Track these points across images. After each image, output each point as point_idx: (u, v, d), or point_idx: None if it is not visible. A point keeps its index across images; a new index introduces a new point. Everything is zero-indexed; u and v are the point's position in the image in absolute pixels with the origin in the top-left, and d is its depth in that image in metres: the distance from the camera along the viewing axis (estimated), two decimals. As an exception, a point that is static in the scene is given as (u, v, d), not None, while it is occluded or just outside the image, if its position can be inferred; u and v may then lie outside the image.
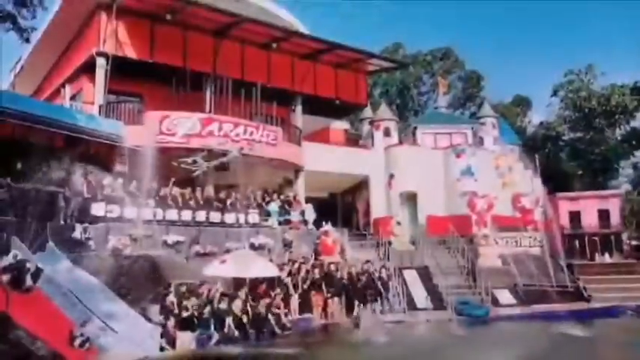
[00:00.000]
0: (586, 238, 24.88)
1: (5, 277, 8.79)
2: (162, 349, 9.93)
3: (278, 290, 13.15)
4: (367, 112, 26.82)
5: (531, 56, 74.55)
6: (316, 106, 22.38)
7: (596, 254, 23.31)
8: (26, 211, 11.33)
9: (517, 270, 16.69)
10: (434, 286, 15.96)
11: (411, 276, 16.34)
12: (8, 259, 9.19)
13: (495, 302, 15.36)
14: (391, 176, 22.27)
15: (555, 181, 30.32)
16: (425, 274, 16.50)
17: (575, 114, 40.00)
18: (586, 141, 39.73)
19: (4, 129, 12.92)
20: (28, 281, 9.19)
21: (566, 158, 41.79)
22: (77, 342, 8.88)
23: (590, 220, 27.97)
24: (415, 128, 25.23)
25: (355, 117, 35.25)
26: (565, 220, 28.04)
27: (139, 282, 12.23)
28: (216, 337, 10.87)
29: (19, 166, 11.98)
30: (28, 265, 9.26)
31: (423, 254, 17.70)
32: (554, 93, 41.55)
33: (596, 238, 25.20)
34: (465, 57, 46.77)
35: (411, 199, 22.13)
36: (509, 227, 19.49)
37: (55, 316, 9.25)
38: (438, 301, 15.08)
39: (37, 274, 9.36)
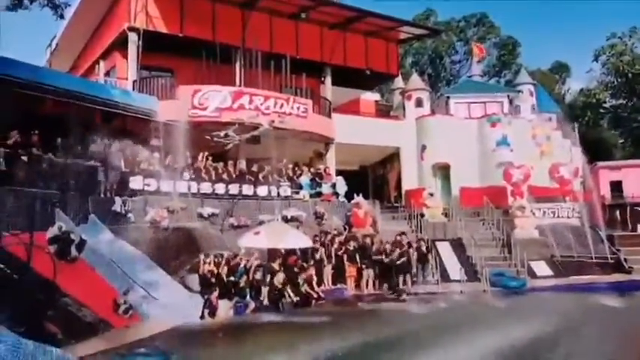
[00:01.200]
0: (628, 209, 23.98)
1: (52, 248, 9.19)
2: (201, 317, 10.24)
3: (312, 262, 13.31)
4: (398, 82, 26.32)
5: (571, 21, 70.96)
6: (346, 77, 22.07)
7: (638, 225, 22.48)
8: (68, 184, 11.73)
9: (555, 241, 16.30)
10: (467, 258, 15.81)
11: (444, 248, 16.22)
12: (54, 231, 9.58)
13: (532, 274, 15.09)
14: (423, 148, 21.91)
15: (596, 150, 29.20)
16: (458, 246, 16.34)
17: (618, 80, 38.11)
18: (629, 108, 37.96)
19: (43, 105, 13.29)
20: (73, 252, 9.58)
21: (608, 126, 40.10)
22: (121, 309, 9.27)
23: (632, 190, 26.93)
24: (448, 98, 24.56)
25: (386, 88, 34.70)
26: (606, 190, 27.10)
27: (177, 252, 12.61)
28: (252, 305, 11.14)
29: (59, 141, 12.30)
30: (72, 236, 9.63)
31: (457, 226, 17.49)
32: (596, 58, 39.57)
33: (639, 209, 24.27)
34: (500, 23, 45.04)
35: (443, 170, 21.77)
36: (547, 198, 18.94)
37: (99, 285, 9.66)
38: (471, 273, 14.94)
39: (81, 244, 9.75)
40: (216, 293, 10.59)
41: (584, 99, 40.80)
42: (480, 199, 18.91)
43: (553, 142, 22.43)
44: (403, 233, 15.39)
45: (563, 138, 23.17)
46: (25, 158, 11.31)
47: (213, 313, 10.39)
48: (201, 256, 11.56)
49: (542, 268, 15.54)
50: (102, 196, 12.74)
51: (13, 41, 51.59)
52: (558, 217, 18.12)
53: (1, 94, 12.39)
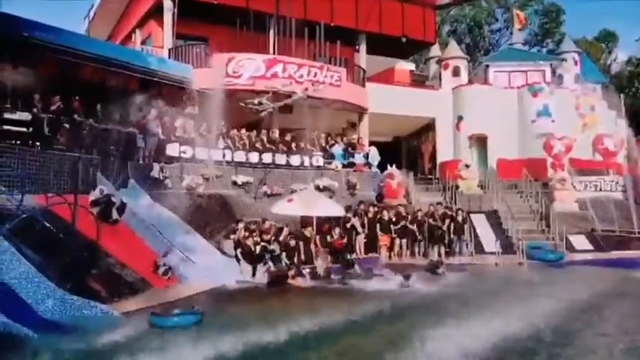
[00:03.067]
0: (676, 184, 22.87)
1: (94, 210, 9.52)
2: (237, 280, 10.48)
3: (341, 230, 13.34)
4: (435, 50, 25.56)
5: (621, -15, 66.73)
6: (381, 45, 21.55)
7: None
8: (108, 150, 12.05)
9: (596, 215, 15.79)
10: (503, 231, 15.51)
11: (480, 220, 15.94)
12: (96, 194, 9.91)
13: (570, 248, 14.71)
14: (459, 118, 21.36)
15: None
16: (494, 219, 16.04)
17: (670, 48, 35.85)
18: (680, 78, 35.76)
19: (83, 72, 13.58)
20: (115, 214, 9.92)
21: (656, 98, 38.00)
22: (161, 270, 9.59)
23: (681, 164, 25.62)
24: (487, 66, 23.71)
25: (420, 58, 33.77)
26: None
27: (212, 218, 12.91)
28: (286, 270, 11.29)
29: (98, 107, 12.58)
30: (113, 199, 9.95)
31: (493, 198, 17.13)
32: (647, 25, 37.23)
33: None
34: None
35: (480, 142, 21.22)
36: (589, 170, 18.28)
37: (139, 247, 10.00)
38: (507, 245, 14.68)
39: (122, 208, 10.07)
40: (244, 256, 10.80)
41: (632, 69, 38.63)
42: (518, 171, 18.40)
43: (597, 113, 21.47)
44: (439, 203, 15.23)
45: (608, 109, 22.15)
46: (67, 124, 11.64)
47: (245, 275, 10.63)
48: (240, 225, 11.76)
49: (581, 241, 15.12)
50: (140, 162, 13.04)
51: (54, 9, 52.73)
52: (600, 190, 17.47)
53: (43, 60, 12.73)
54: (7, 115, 10.67)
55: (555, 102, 20.64)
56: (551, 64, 23.54)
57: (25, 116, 10.85)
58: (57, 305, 6.83)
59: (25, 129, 10.80)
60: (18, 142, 10.35)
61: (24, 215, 7.38)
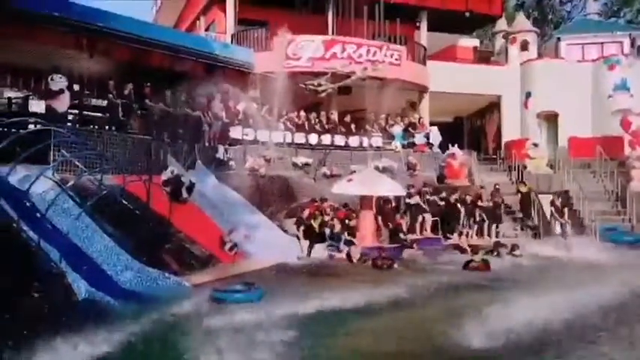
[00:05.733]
0: None
1: (166, 189, 10.10)
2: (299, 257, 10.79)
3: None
4: (501, 25, 24.32)
5: None
6: (443, 21, 20.84)
7: None
8: (177, 133, 12.66)
9: (679, 196, 14.63)
10: (575, 212, 14.76)
11: (549, 201, 15.22)
12: (167, 174, 10.51)
13: (648, 229, 13.79)
14: (528, 95, 20.33)
15: None
16: (565, 199, 15.24)
17: None
18: None
19: (153, 58, 14.27)
20: (184, 193, 10.47)
21: None
22: (227, 246, 10.05)
23: None
24: (558, 39, 22.31)
25: (485, 33, 32.30)
26: None
27: (274, 198, 13.28)
28: (345, 249, 11.45)
29: (167, 93, 13.20)
30: (183, 179, 10.49)
31: (563, 178, 16.29)
32: None
33: None
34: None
35: (550, 119, 20.12)
36: (672, 148, 16.88)
37: (207, 224, 10.50)
38: (579, 227, 13.98)
39: (190, 187, 10.61)
40: (305, 235, 11.05)
41: None
42: (591, 149, 17.31)
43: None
44: (497, 185, 14.83)
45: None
46: (139, 109, 12.34)
47: (306, 252, 10.91)
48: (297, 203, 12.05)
49: (661, 224, 14.09)
50: (207, 144, 13.59)
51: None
52: (684, 168, 16.09)
53: (116, 49, 13.51)
54: (85, 102, 11.47)
55: (634, 75, 19.05)
56: (629, 35, 21.72)
57: (102, 102, 11.61)
58: (135, 276, 7.36)
59: (101, 114, 11.59)
60: (96, 126, 11.14)
61: (104, 193, 7.94)
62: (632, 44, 21.60)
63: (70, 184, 7.82)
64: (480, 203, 14.16)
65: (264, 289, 7.36)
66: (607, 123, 18.52)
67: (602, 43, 21.55)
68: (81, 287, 6.23)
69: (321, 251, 11.37)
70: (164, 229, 9.07)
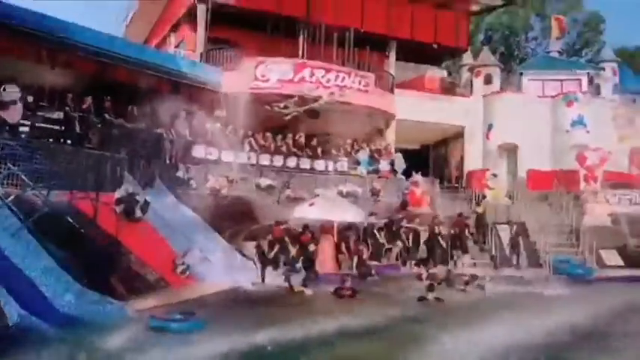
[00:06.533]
0: None
1: (119, 208, 9.79)
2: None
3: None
4: (467, 58, 25.11)
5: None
6: (412, 51, 21.38)
7: None
8: (136, 150, 12.36)
9: (629, 230, 15.14)
10: (530, 243, 15.09)
11: (506, 231, 15.54)
12: (121, 192, 10.19)
13: (601, 263, 14.20)
14: (490, 127, 20.90)
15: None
16: (521, 230, 15.59)
17: None
18: None
19: (118, 73, 14.01)
20: (138, 212, 10.16)
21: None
22: (179, 269, 9.77)
23: None
24: (521, 74, 23.14)
25: (453, 65, 33.27)
26: (694, 181, 24.60)
27: (234, 221, 13.03)
28: (302, 274, 11.30)
29: (130, 108, 12.94)
30: (138, 197, 10.21)
31: (521, 209, 16.68)
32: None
33: None
34: (584, -3, 41.48)
35: (510, 151, 20.70)
36: (624, 184, 17.55)
37: (160, 245, 10.18)
38: (533, 258, 14.27)
39: (145, 206, 10.31)
40: (262, 259, 10.86)
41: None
42: (548, 182, 17.86)
43: (636, 125, 20.61)
44: (460, 214, 14.99)
45: (648, 121, 21.23)
46: (98, 123, 12.03)
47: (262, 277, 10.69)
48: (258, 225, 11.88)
49: (613, 257, 14.58)
50: (167, 162, 13.32)
51: (93, 12, 54.55)
52: (635, 204, 16.74)
53: (79, 61, 13.22)
54: (40, 113, 11.11)
55: (591, 112, 19.95)
56: (588, 74, 22.75)
57: (58, 115, 11.27)
58: (75, 300, 7.03)
59: (57, 127, 11.23)
60: (50, 139, 10.78)
61: (48, 210, 7.63)
62: (590, 82, 22.61)
63: (10, 198, 7.47)
64: (440, 231, 14.29)
65: (207, 319, 7.08)
66: (564, 157, 19.18)
67: (561, 80, 22.45)
68: (12, 311, 5.90)
69: (279, 277, 11.21)
70: (112, 249, 8.75)
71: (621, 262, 14.41)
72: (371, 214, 14.17)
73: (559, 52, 28.37)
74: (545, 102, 20.99)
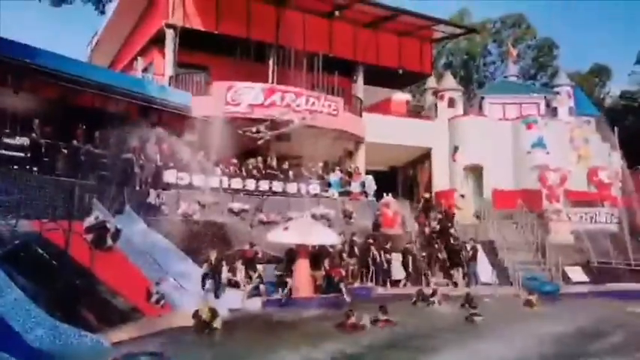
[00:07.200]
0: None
1: (88, 236, 9.48)
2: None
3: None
4: (431, 82, 25.98)
5: (613, 22, 68.51)
6: (378, 76, 21.96)
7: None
8: (105, 176, 12.07)
9: (591, 247, 15.78)
10: (499, 261, 15.50)
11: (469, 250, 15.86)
12: (90, 220, 9.91)
13: (566, 279, 14.69)
14: (455, 149, 21.57)
15: (637, 155, 28.04)
16: (490, 249, 16.02)
17: (661, 83, 36.61)
18: (672, 113, 36.37)
19: (84, 98, 13.72)
20: (109, 241, 9.90)
21: (649, 131, 38.52)
22: (153, 299, 9.46)
23: (675, 198, 25.76)
24: (482, 98, 24.11)
25: (417, 88, 34.29)
26: (646, 197, 26.00)
27: (207, 245, 12.80)
28: (282, 299, 11.21)
29: (97, 134, 12.66)
30: (108, 225, 9.93)
31: (488, 229, 17.15)
32: (638, 60, 38.13)
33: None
34: (537, 24, 43.84)
35: (476, 172, 21.37)
36: (584, 202, 18.37)
37: (133, 274, 9.89)
38: (503, 276, 14.64)
39: (116, 234, 10.05)
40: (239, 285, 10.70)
41: (625, 102, 39.35)
42: (513, 201, 18.47)
43: (591, 145, 21.75)
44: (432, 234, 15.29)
45: (602, 142, 22.42)
46: (65, 149, 11.69)
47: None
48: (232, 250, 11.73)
49: (577, 273, 15.12)
50: (137, 188, 13.04)
51: (57, 37, 53.46)
52: (596, 222, 17.51)
53: (44, 86, 12.88)
54: (5, 140, 10.72)
55: (550, 134, 20.92)
56: (545, 97, 23.96)
57: (23, 141, 10.90)
58: (46, 334, 6.71)
59: (23, 154, 10.85)
60: (16, 166, 10.39)
61: (17, 241, 7.31)
62: (548, 105, 23.78)
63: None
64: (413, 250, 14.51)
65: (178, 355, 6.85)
66: (527, 177, 19.92)
67: (521, 103, 23.50)
68: (-20, 349, 5.58)
69: (256, 302, 11.05)
70: (83, 280, 8.42)
71: (586, 278, 14.95)
72: (352, 235, 14.29)
73: (516, 76, 29.76)
74: (506, 124, 21.89)
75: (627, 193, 18.89)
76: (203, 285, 10.58)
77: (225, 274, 11.43)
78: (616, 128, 22.26)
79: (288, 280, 11.75)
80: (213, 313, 8.65)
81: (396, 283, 14.45)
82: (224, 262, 11.47)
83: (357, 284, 13.58)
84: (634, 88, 39.16)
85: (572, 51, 54.41)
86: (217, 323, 8.58)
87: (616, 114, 37.57)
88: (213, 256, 11.03)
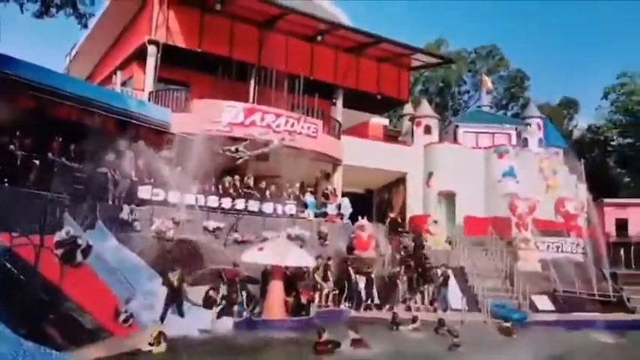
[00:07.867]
0: (632, 247, 23.81)
1: (58, 252, 9.29)
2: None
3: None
4: (408, 108, 26.61)
5: (582, 57, 71.67)
6: (357, 100, 22.37)
7: (642, 265, 22.29)
8: (78, 190, 11.87)
9: (557, 276, 16.17)
10: (469, 288, 15.74)
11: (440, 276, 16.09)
12: (61, 235, 9.69)
13: (533, 307, 15.00)
14: (430, 174, 22.01)
15: (602, 188, 29.14)
16: (460, 275, 16.27)
17: (626, 118, 38.25)
18: (636, 147, 37.96)
19: (60, 110, 13.54)
20: (79, 257, 9.69)
21: (614, 164, 40.08)
22: (122, 317, 9.30)
23: (637, 229, 26.76)
24: (457, 127, 24.80)
25: (394, 113, 35.00)
26: (611, 228, 26.93)
27: (180, 264, 12.62)
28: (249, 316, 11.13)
29: (72, 147, 12.49)
30: (79, 241, 9.75)
31: (460, 255, 17.45)
32: (605, 96, 39.84)
33: (643, 248, 24.03)
34: (510, 56, 45.52)
35: (449, 198, 21.81)
36: (551, 232, 18.90)
37: (102, 292, 9.71)
38: (472, 302, 14.86)
39: (87, 250, 9.86)
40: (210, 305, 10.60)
41: (592, 135, 40.96)
42: (484, 228, 18.89)
43: (559, 176, 22.50)
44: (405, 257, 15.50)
45: (569, 173, 23.23)
46: (38, 162, 11.48)
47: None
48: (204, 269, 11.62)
49: (544, 302, 15.43)
50: (111, 203, 12.86)
51: (34, 47, 52.59)
52: (562, 251, 18.00)
53: (20, 97, 12.67)
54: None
55: (520, 164, 21.59)
56: (516, 128, 24.79)
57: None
58: (9, 351, 6.51)
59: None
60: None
61: (-16, 255, 7.14)
62: (519, 136, 24.60)
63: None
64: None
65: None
66: (497, 205, 20.40)
67: (493, 133, 24.26)
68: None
69: (227, 322, 10.95)
70: (51, 296, 8.23)
71: (552, 307, 15.28)
72: (328, 258, 14.35)
73: (489, 106, 30.75)
74: (479, 153, 22.51)
75: (592, 224, 19.55)
76: (165, 310, 10.41)
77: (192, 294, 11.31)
78: (583, 160, 23.16)
79: (260, 299, 11.72)
80: (159, 337, 8.60)
81: (371, 306, 14.50)
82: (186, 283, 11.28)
83: (331, 306, 13.62)
84: (600, 123, 40.84)
85: (543, 83, 56.53)
86: (161, 348, 8.52)
87: (583, 146, 39.10)
88: (174, 277, 10.84)
